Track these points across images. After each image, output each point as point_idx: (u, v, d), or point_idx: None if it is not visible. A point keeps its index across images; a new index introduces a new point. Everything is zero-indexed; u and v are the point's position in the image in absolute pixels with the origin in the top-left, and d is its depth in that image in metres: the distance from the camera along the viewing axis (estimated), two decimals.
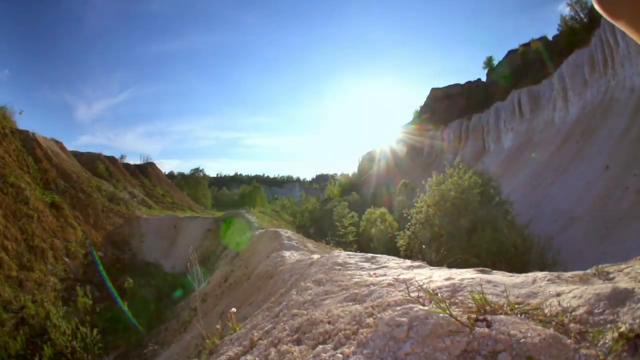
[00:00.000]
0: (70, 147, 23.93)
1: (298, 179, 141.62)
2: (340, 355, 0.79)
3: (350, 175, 53.03)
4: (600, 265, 0.95)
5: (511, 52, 28.97)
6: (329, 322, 0.98)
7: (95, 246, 14.36)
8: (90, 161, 24.22)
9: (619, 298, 0.68)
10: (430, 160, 34.29)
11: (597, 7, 0.68)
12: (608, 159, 14.53)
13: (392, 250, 13.90)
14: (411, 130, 39.19)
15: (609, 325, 0.63)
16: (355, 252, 2.07)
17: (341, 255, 1.89)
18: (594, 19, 19.83)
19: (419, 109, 42.32)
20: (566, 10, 27.32)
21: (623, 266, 0.92)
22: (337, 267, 1.63)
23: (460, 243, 9.63)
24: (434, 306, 0.84)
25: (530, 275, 1.01)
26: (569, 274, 0.97)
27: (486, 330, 0.69)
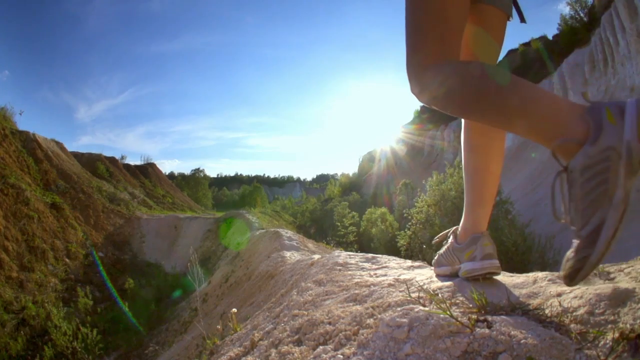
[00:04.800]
0: (70, 147, 23.96)
1: (298, 179, 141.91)
2: (341, 356, 0.79)
3: (350, 175, 53.09)
4: (600, 265, 0.95)
5: (511, 52, 28.93)
6: (329, 323, 0.98)
7: (95, 247, 14.38)
8: (90, 162, 24.25)
9: (620, 298, 0.68)
10: (431, 160, 34.27)
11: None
12: None
13: (393, 250, 13.89)
14: (411, 130, 39.20)
15: (609, 326, 0.63)
16: (356, 252, 2.07)
17: (342, 255, 1.89)
18: (594, 18, 19.82)
19: (419, 108, 42.30)
20: (566, 10, 27.31)
21: (624, 266, 0.92)
22: (338, 268, 1.63)
23: None
24: (435, 307, 0.84)
25: (531, 275, 1.01)
26: None
27: (487, 330, 0.69)
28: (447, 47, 0.90)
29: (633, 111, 0.66)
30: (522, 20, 1.13)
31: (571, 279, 0.72)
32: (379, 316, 0.89)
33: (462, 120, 1.16)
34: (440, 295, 0.96)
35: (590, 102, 0.70)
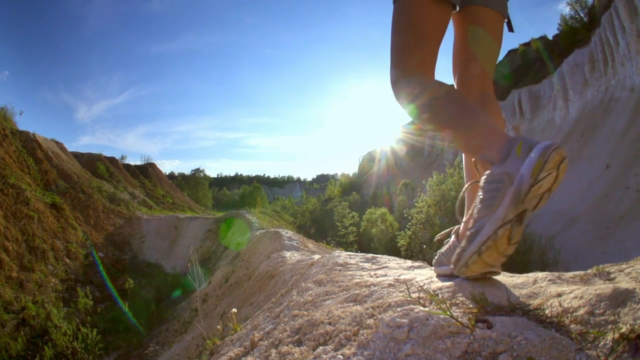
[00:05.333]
0: (70, 148, 23.98)
1: (298, 179, 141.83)
2: (341, 357, 0.79)
3: (350, 175, 53.08)
4: (601, 265, 0.95)
5: (511, 52, 28.91)
6: (329, 323, 0.98)
7: (95, 247, 14.38)
8: (90, 162, 24.25)
9: (620, 298, 0.68)
10: (431, 160, 34.28)
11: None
12: (609, 159, 14.52)
13: (393, 250, 13.89)
14: (411, 130, 39.16)
15: (609, 326, 0.63)
16: (356, 252, 2.07)
17: (342, 255, 1.89)
18: (594, 19, 19.82)
19: None
20: (566, 10, 27.28)
21: (624, 266, 0.92)
22: (338, 268, 1.63)
23: None
24: (435, 307, 0.84)
25: (531, 275, 1.01)
26: (570, 274, 0.96)
27: (487, 331, 0.69)
28: (424, 61, 1.04)
29: (538, 152, 0.78)
30: (510, 29, 1.19)
31: (454, 266, 0.92)
32: (379, 316, 0.89)
33: None
34: (440, 295, 0.96)
35: (516, 135, 0.84)
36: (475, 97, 1.17)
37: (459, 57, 1.17)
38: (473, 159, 0.91)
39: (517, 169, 0.80)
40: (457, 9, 1.09)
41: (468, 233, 0.88)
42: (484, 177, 0.87)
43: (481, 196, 0.86)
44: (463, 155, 1.18)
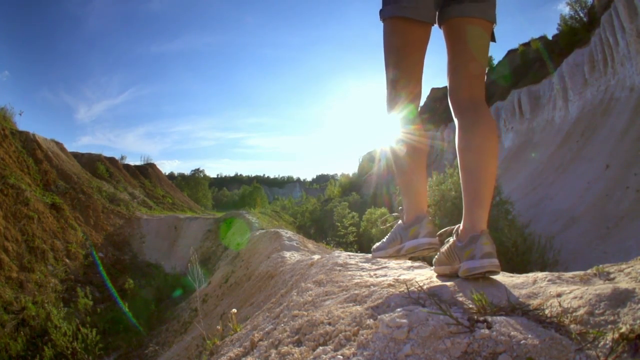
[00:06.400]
0: (70, 148, 23.94)
1: (298, 179, 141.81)
2: (341, 357, 0.78)
3: (350, 175, 53.00)
4: (600, 265, 0.95)
5: (511, 52, 28.90)
6: (329, 323, 0.98)
7: (95, 247, 14.37)
8: (90, 162, 24.23)
9: (620, 298, 0.68)
10: (431, 160, 34.26)
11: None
12: (608, 159, 14.52)
13: None
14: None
15: (609, 326, 0.63)
16: (356, 252, 2.07)
17: (341, 255, 1.89)
18: (593, 19, 19.82)
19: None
20: (566, 10, 27.32)
21: (624, 266, 0.92)
22: (338, 268, 1.63)
23: None
24: (435, 307, 0.84)
25: (531, 275, 1.01)
26: (570, 274, 0.97)
27: (487, 331, 0.69)
28: (402, 74, 1.22)
29: (414, 243, 1.19)
30: (493, 39, 1.26)
31: (372, 251, 1.39)
32: (379, 317, 0.89)
33: (456, 121, 1.19)
34: (440, 295, 0.96)
35: (421, 217, 1.21)
36: (465, 100, 1.18)
37: (458, 58, 1.19)
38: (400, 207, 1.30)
39: (405, 240, 1.22)
40: (436, 24, 1.24)
41: (378, 243, 1.35)
42: (399, 222, 1.29)
43: (389, 233, 1.32)
44: (458, 154, 1.20)
